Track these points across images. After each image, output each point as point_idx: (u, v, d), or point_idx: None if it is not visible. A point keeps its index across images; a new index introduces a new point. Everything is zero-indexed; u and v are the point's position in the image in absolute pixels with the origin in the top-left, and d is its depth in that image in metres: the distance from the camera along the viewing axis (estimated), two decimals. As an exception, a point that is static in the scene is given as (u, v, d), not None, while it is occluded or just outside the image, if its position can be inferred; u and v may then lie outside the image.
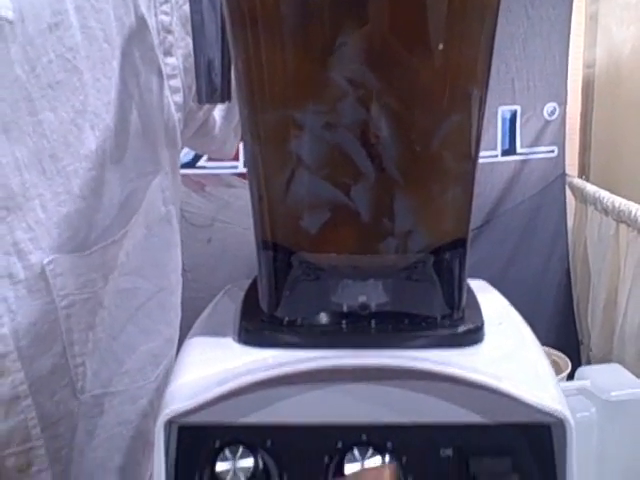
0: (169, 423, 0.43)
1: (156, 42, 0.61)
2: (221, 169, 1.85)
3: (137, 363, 0.67)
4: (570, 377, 1.61)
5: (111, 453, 0.67)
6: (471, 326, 0.47)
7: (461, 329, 0.47)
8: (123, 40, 0.58)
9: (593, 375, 1.46)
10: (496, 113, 1.95)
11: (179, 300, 0.73)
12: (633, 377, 1.45)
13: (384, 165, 0.43)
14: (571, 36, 1.98)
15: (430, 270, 0.47)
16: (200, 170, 1.84)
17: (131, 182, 0.61)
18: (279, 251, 0.47)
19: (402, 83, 0.43)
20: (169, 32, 0.62)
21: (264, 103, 0.44)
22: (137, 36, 0.59)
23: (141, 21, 0.59)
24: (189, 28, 0.64)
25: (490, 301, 0.52)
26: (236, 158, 1.83)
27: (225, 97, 0.50)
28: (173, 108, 0.63)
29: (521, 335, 0.50)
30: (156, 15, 0.61)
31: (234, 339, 0.48)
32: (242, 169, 1.83)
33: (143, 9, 0.59)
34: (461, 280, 0.48)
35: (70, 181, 0.56)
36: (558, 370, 1.69)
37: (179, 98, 0.64)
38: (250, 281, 0.53)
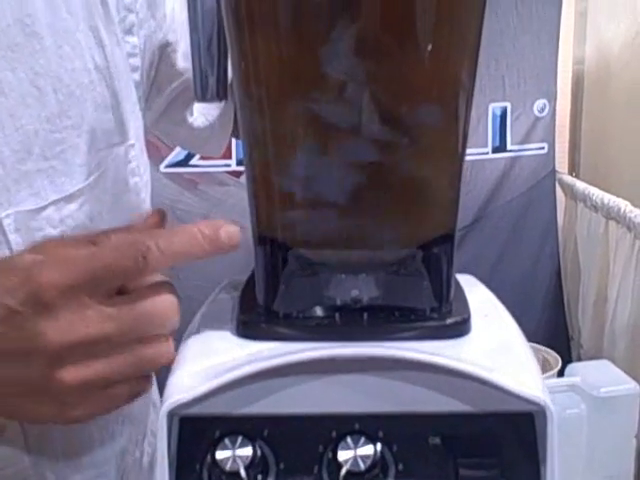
0: (171, 415, 0.45)
1: (117, 19, 0.62)
2: (214, 167, 1.86)
3: None
4: (560, 374, 1.62)
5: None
6: (458, 318, 0.49)
7: (449, 321, 0.49)
8: (87, 13, 0.59)
9: (583, 372, 1.47)
10: (487, 110, 1.97)
11: None
12: (622, 373, 1.46)
13: (377, 160, 0.45)
14: (561, 33, 2.00)
15: (419, 264, 0.49)
16: (192, 168, 1.85)
17: (99, 151, 0.62)
18: (275, 247, 0.49)
19: (391, 77, 0.44)
20: (130, 11, 0.64)
21: (259, 102, 0.46)
22: (99, 10, 0.60)
23: None
24: (154, 10, 0.66)
25: (476, 294, 0.54)
26: (229, 156, 1.84)
27: (221, 95, 0.50)
28: (132, 84, 0.65)
29: (505, 326, 0.52)
30: None
31: (232, 332, 0.49)
32: (235, 167, 1.85)
33: None
34: (449, 274, 0.49)
35: (30, 140, 0.56)
36: (548, 367, 1.70)
37: (137, 77, 0.66)
38: (247, 276, 0.55)
